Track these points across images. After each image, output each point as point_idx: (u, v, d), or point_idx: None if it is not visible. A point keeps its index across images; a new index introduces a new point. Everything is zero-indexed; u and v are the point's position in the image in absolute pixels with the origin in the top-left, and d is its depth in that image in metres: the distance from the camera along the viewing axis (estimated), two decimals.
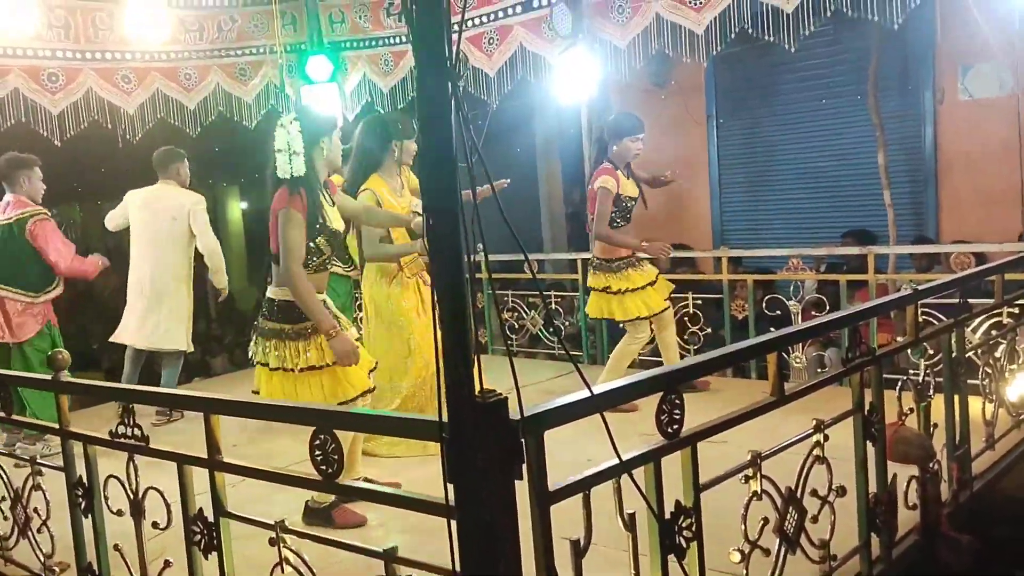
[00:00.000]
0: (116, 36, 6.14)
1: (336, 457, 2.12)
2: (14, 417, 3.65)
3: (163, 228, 5.64)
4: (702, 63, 5.31)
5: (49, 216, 5.29)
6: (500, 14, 6.13)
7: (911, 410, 3.31)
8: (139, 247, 5.72)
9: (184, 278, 5.73)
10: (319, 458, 2.14)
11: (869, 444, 2.96)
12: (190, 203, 5.67)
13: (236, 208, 13.57)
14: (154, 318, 5.65)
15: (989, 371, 4.06)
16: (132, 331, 5.71)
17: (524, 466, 1.78)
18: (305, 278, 3.57)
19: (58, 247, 5.22)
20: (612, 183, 5.03)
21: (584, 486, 1.96)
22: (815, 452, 2.73)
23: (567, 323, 7.26)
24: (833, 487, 2.79)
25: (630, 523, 2.09)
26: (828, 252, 6.09)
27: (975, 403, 3.81)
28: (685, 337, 6.04)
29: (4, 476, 3.48)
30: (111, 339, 5.89)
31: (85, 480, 3.01)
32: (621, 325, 5.29)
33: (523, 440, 1.77)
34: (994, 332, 4.34)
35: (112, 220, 5.89)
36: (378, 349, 4.47)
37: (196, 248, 5.70)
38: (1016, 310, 4.43)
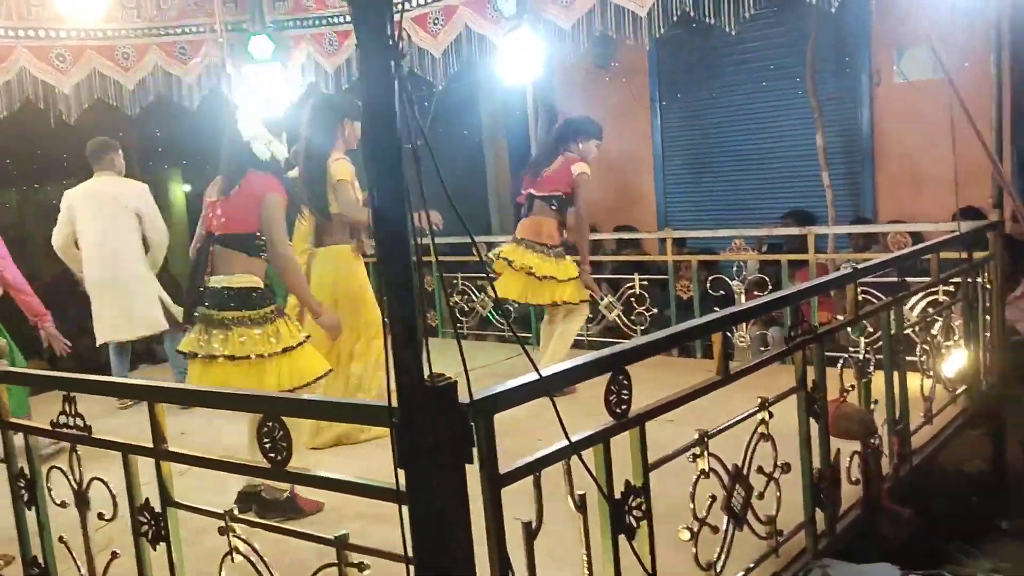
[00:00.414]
0: (50, 13, 5.92)
1: (285, 444, 2.10)
2: None
3: (112, 219, 5.52)
4: (645, 45, 5.32)
5: None
6: None
7: (852, 387, 3.39)
8: (89, 245, 5.57)
9: (142, 259, 5.65)
10: (267, 445, 2.12)
11: (812, 421, 3.03)
12: (135, 192, 5.60)
13: (179, 191, 13.29)
14: (127, 309, 5.55)
15: (927, 348, 4.17)
16: (112, 328, 5.61)
17: (475, 450, 1.78)
18: (296, 260, 3.66)
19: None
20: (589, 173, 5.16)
21: (534, 468, 1.97)
22: (760, 430, 2.79)
23: (515, 305, 7.27)
24: (778, 464, 2.86)
25: (581, 504, 2.11)
26: (769, 233, 6.18)
27: (913, 379, 3.91)
28: (632, 318, 6.11)
29: None
30: (98, 343, 5.73)
31: (27, 471, 2.94)
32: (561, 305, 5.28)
33: (473, 424, 1.78)
34: (930, 310, 4.47)
35: (59, 234, 5.65)
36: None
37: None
38: (951, 288, 4.56)
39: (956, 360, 4.41)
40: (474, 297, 7.00)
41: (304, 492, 3.68)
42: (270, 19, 6.58)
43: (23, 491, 2.97)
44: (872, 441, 3.36)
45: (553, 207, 5.24)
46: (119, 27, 6.36)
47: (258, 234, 3.65)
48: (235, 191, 3.63)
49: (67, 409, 2.69)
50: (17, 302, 5.07)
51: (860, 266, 3.46)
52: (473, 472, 1.79)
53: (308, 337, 3.72)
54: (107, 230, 5.53)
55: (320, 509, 3.67)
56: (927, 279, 4.29)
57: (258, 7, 6.55)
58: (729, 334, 5.28)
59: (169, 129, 9.77)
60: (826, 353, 3.14)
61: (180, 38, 6.65)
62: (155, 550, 2.51)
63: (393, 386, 1.72)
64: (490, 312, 7.00)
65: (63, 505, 2.80)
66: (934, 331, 4.28)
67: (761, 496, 2.81)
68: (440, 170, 1.76)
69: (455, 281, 6.98)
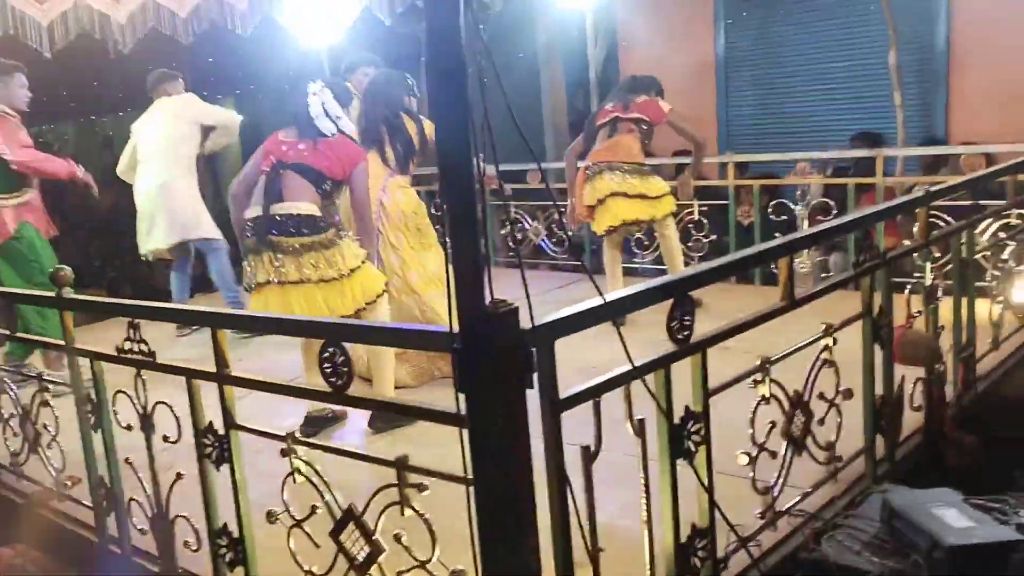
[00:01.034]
0: None
1: (346, 369, 2.12)
2: (20, 335, 3.66)
3: (165, 136, 5.65)
4: None
5: (9, 115, 4.99)
6: None
7: (919, 312, 3.30)
8: (144, 158, 5.70)
9: (192, 170, 5.74)
10: (328, 370, 2.13)
11: (877, 347, 2.96)
12: (187, 103, 5.80)
13: (231, 116, 13.45)
14: (170, 213, 5.63)
15: (997, 273, 4.04)
16: (155, 233, 5.68)
17: (535, 375, 1.77)
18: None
19: (8, 142, 4.90)
20: None
21: (595, 393, 1.95)
22: (823, 356, 2.73)
23: (570, 232, 7.21)
24: (840, 390, 2.80)
25: (640, 429, 2.10)
26: (837, 156, 5.98)
27: (982, 305, 3.80)
28: (689, 244, 6.01)
29: (12, 393, 3.50)
30: (141, 252, 5.81)
31: (93, 396, 3.02)
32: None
33: (534, 349, 1.76)
34: (1002, 234, 4.31)
35: (122, 158, 5.82)
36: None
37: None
38: None
39: None
40: (527, 225, 6.95)
41: None
42: None
43: (90, 414, 3.06)
44: (937, 367, 3.28)
45: (644, 128, 5.19)
46: None
47: (329, 179, 3.76)
48: (322, 141, 3.78)
49: (131, 335, 2.74)
50: (48, 175, 5.06)
51: (932, 189, 3.34)
52: (532, 397, 1.77)
53: (368, 255, 3.83)
54: (159, 143, 5.64)
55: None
56: (1001, 202, 4.13)
57: None
58: None
59: (223, 57, 9.77)
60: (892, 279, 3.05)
61: None
62: (218, 471, 2.57)
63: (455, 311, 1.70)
64: (543, 240, 6.95)
65: (128, 428, 2.87)
66: (1005, 255, 4.13)
67: (821, 422, 2.77)
68: (494, 100, 1.70)
69: (509, 209, 6.93)
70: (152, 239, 5.70)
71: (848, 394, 2.82)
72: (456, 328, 1.70)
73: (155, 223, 5.66)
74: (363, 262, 3.73)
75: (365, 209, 3.91)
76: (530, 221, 6.96)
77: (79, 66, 7.26)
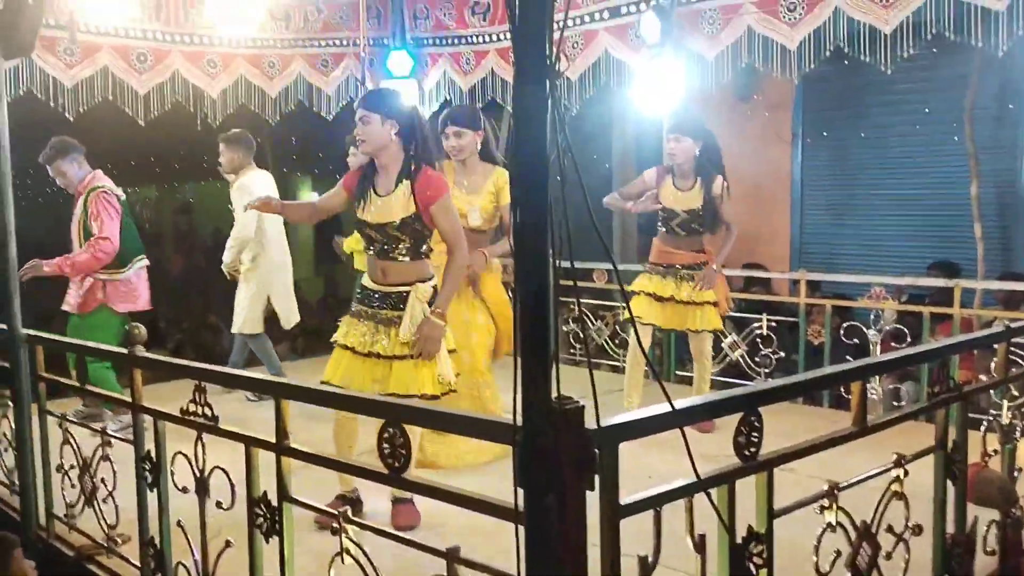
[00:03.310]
0: (205, 21, 6.22)
1: (404, 452, 2.10)
2: (89, 388, 3.73)
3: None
4: (792, 80, 5.16)
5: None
6: (587, 19, 6.07)
7: (995, 451, 3.18)
8: (273, 231, 5.89)
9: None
10: (387, 451, 2.12)
11: (950, 483, 2.84)
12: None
13: (307, 197, 13.80)
14: (291, 297, 6.02)
15: None
16: (286, 312, 5.98)
17: (597, 477, 1.73)
18: None
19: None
20: None
21: (657, 502, 1.90)
22: (893, 487, 2.63)
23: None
24: (909, 524, 2.69)
25: (700, 544, 2.03)
26: (913, 283, 5.88)
27: None
28: (756, 359, 5.91)
29: (74, 444, 3.55)
30: (285, 325, 6.04)
31: (153, 455, 3.05)
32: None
33: (598, 450, 1.73)
34: None
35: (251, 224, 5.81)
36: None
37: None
38: None
39: None
40: (591, 324, 6.93)
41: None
42: (411, 36, 6.74)
43: (147, 472, 3.08)
44: (1013, 511, 3.13)
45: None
46: (268, 37, 6.63)
47: None
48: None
49: (196, 398, 2.77)
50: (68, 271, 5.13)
51: (1014, 324, 3.24)
52: (591, 500, 1.73)
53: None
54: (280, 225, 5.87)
55: (416, 525, 3.62)
56: None
57: (400, 24, 6.73)
58: None
59: (304, 137, 10.12)
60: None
61: (324, 51, 6.89)
62: (267, 543, 2.55)
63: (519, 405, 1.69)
64: (606, 340, 6.91)
65: (184, 490, 2.87)
66: None
67: (889, 556, 2.64)
68: (571, 195, 1.72)
69: (571, 306, 6.93)
70: (289, 316, 5.96)
71: (918, 530, 2.69)
72: (519, 421, 1.69)
73: (287, 304, 5.93)
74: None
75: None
76: (593, 320, 6.93)
77: (167, 133, 7.61)
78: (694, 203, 5.00)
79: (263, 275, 5.84)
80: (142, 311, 5.30)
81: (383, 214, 3.61)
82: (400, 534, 2.31)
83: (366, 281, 3.75)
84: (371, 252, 3.71)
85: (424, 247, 3.67)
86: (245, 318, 5.83)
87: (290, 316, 5.97)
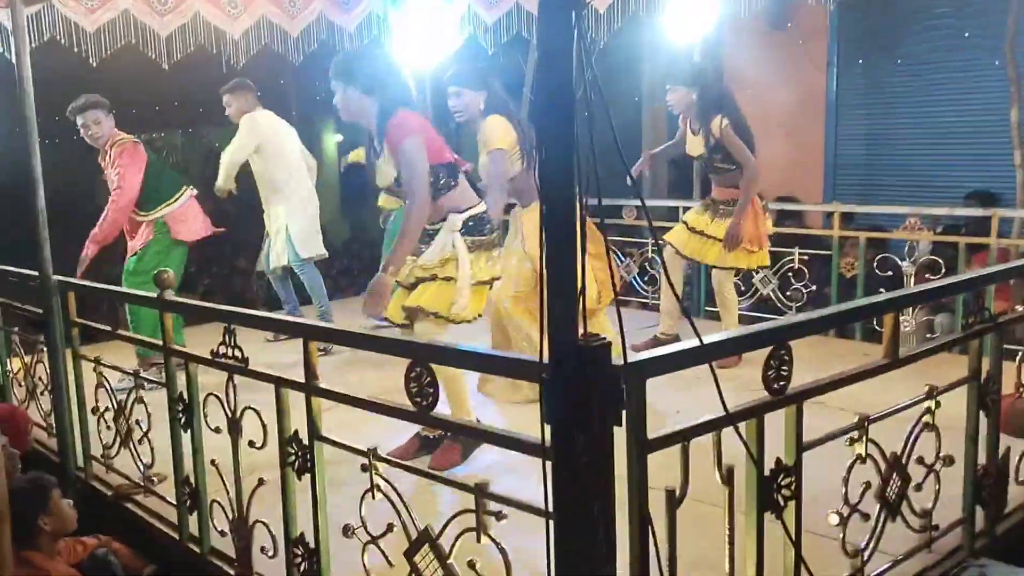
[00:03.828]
0: None
1: (431, 390, 2.11)
2: (121, 332, 3.78)
3: (298, 145, 6.07)
4: (827, 6, 5.00)
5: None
6: None
7: None
8: (295, 168, 6.02)
9: None
10: (414, 390, 2.13)
11: (982, 414, 2.81)
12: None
13: (331, 141, 13.76)
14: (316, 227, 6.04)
15: None
16: (313, 242, 5.98)
17: (624, 413, 1.73)
18: None
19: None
20: None
21: (684, 436, 1.90)
22: (925, 419, 2.60)
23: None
24: (940, 455, 2.67)
25: (728, 478, 2.03)
26: (949, 212, 5.75)
27: None
28: (787, 293, 5.86)
29: (109, 388, 3.62)
30: (306, 256, 5.95)
31: (185, 396, 3.09)
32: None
33: (624, 386, 1.72)
34: None
35: (244, 151, 5.96)
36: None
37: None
38: None
39: None
40: (619, 262, 6.88)
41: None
42: None
43: (181, 415, 3.13)
44: None
45: None
46: None
47: None
48: None
49: (227, 340, 2.80)
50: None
51: None
52: (618, 435, 1.73)
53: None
54: (299, 159, 5.98)
55: (455, 464, 3.60)
56: None
57: None
58: None
59: (327, 78, 10.01)
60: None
61: None
62: (299, 480, 2.59)
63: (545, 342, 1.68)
64: (634, 277, 6.87)
65: (217, 431, 2.92)
66: None
67: (919, 488, 2.63)
68: (598, 131, 1.68)
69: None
70: (315, 246, 5.91)
71: (949, 461, 2.68)
72: (547, 358, 1.68)
73: (312, 234, 5.89)
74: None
75: None
76: (623, 258, 6.89)
77: (192, 77, 7.55)
78: (702, 147, 5.08)
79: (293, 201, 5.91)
80: (203, 237, 5.55)
81: None
82: (429, 471, 2.34)
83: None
84: None
85: (441, 184, 3.65)
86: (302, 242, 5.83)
87: (309, 245, 5.92)
